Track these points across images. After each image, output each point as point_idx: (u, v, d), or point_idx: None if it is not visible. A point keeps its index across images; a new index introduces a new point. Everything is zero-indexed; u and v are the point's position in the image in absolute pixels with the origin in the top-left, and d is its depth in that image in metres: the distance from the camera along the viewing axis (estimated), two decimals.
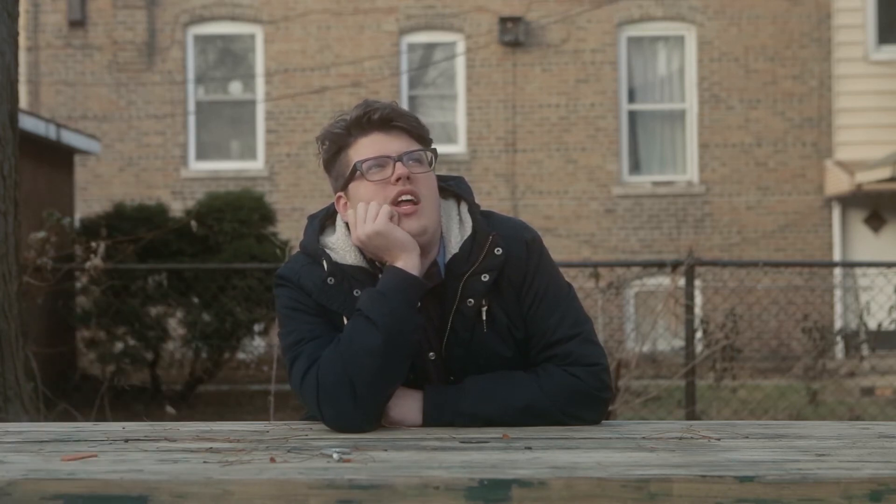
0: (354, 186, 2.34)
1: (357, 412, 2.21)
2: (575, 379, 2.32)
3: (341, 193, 2.38)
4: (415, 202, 2.31)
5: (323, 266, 2.34)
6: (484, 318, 2.34)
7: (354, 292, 2.30)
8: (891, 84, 14.87)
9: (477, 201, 2.45)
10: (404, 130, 2.36)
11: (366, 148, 2.34)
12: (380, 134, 2.34)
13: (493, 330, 2.34)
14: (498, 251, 2.33)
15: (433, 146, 2.42)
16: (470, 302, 2.32)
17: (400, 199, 2.30)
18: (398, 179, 2.30)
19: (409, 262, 2.27)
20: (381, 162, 2.32)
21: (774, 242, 15.12)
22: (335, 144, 2.38)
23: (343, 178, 2.36)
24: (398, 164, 2.31)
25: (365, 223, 2.29)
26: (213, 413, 9.40)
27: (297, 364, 2.29)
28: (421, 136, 2.39)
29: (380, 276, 2.30)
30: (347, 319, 2.29)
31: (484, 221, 2.38)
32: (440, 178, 2.44)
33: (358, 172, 2.33)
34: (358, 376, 2.20)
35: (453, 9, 15.25)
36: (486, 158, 15.19)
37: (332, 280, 2.33)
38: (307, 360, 2.28)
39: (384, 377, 2.22)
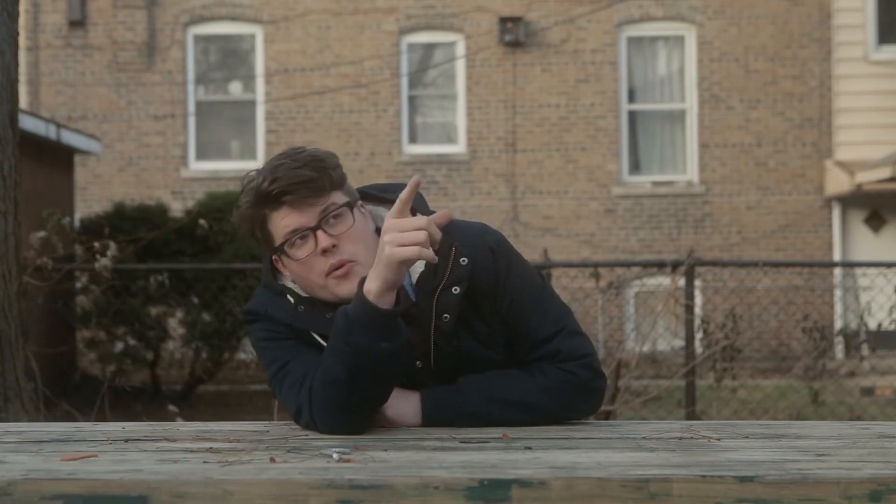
0: (286, 261, 2.29)
1: (350, 429, 2.19)
2: (569, 374, 2.30)
3: (276, 257, 2.32)
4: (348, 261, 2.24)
5: (289, 299, 2.31)
6: (463, 330, 2.29)
7: (326, 315, 2.26)
8: (891, 84, 14.87)
9: (432, 206, 2.35)
10: (312, 191, 2.24)
11: (281, 222, 2.25)
12: (289, 208, 2.24)
13: (475, 340, 2.30)
14: (463, 261, 2.25)
15: (346, 182, 2.30)
16: (446, 317, 2.26)
17: (333, 269, 2.24)
18: (325, 251, 2.23)
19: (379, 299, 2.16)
20: (302, 234, 2.24)
21: (774, 242, 15.13)
22: (249, 224, 2.29)
23: (272, 249, 2.30)
24: (320, 235, 2.23)
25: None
26: (213, 413, 9.40)
27: (285, 385, 2.27)
28: (330, 181, 2.26)
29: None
30: (324, 338, 2.25)
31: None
32: (386, 189, 2.39)
33: (284, 254, 2.27)
34: (338, 405, 2.17)
35: (453, 9, 15.25)
36: (486, 158, 15.20)
37: (302, 307, 2.30)
38: (293, 378, 2.25)
39: (363, 403, 2.19)
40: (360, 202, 2.32)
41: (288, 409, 2.29)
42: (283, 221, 2.25)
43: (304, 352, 2.28)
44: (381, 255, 2.10)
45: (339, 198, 2.27)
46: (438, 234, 2.12)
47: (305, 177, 2.22)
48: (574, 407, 2.32)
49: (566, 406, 2.31)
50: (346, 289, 2.22)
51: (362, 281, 2.14)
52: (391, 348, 2.14)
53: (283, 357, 2.29)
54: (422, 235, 2.07)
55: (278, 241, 2.26)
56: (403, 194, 2.12)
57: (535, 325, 2.32)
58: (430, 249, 2.09)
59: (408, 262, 2.10)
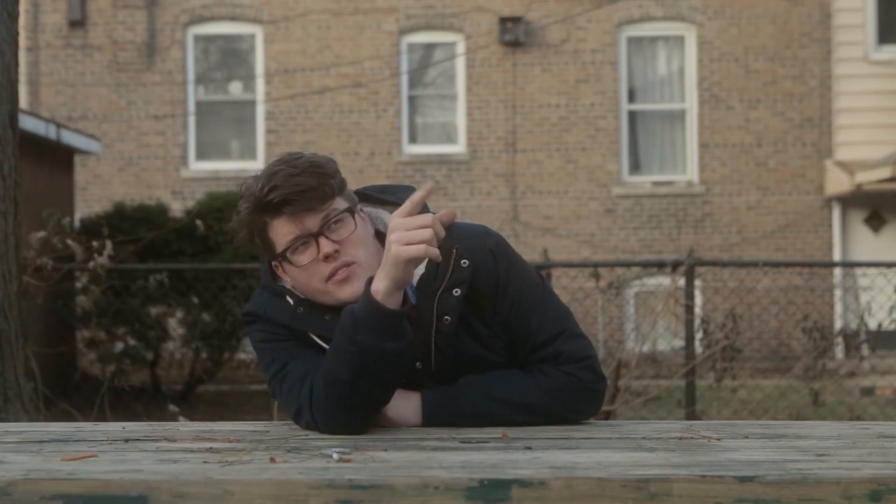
0: (286, 267, 2.28)
1: (351, 429, 2.19)
2: (570, 377, 2.30)
3: (276, 263, 2.32)
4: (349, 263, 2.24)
5: (288, 301, 2.31)
6: (464, 332, 2.29)
7: (325, 317, 2.26)
8: (891, 84, 14.87)
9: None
10: (313, 199, 2.22)
11: (282, 229, 2.24)
12: (289, 216, 2.23)
13: (476, 342, 2.30)
14: (464, 263, 2.25)
15: (346, 187, 2.28)
16: (447, 319, 2.26)
17: (335, 273, 2.23)
18: (327, 257, 2.22)
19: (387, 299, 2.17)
20: (303, 241, 2.23)
21: (774, 242, 15.13)
22: (249, 230, 2.28)
23: (273, 255, 2.29)
24: (322, 241, 2.22)
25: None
26: (213, 413, 9.40)
27: (285, 385, 2.27)
28: (331, 188, 2.24)
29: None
30: (323, 339, 2.26)
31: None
32: (385, 190, 2.38)
33: (285, 261, 2.26)
34: (340, 405, 2.17)
35: (453, 9, 15.25)
36: (486, 158, 15.20)
37: (302, 309, 2.29)
38: (293, 378, 2.25)
39: (365, 403, 2.18)
40: (359, 206, 2.32)
41: (288, 410, 2.28)
42: (283, 229, 2.24)
43: (304, 353, 2.28)
44: (388, 254, 2.10)
45: (339, 203, 2.26)
46: (443, 233, 2.12)
47: (306, 185, 2.21)
48: (575, 408, 2.32)
49: (567, 407, 2.31)
50: (348, 293, 2.22)
51: (369, 281, 2.13)
52: (396, 348, 2.13)
53: (283, 358, 2.29)
54: (428, 233, 2.08)
55: (280, 248, 2.26)
56: (416, 197, 2.12)
57: (536, 327, 2.31)
58: (437, 248, 2.10)
59: (415, 261, 2.10)
